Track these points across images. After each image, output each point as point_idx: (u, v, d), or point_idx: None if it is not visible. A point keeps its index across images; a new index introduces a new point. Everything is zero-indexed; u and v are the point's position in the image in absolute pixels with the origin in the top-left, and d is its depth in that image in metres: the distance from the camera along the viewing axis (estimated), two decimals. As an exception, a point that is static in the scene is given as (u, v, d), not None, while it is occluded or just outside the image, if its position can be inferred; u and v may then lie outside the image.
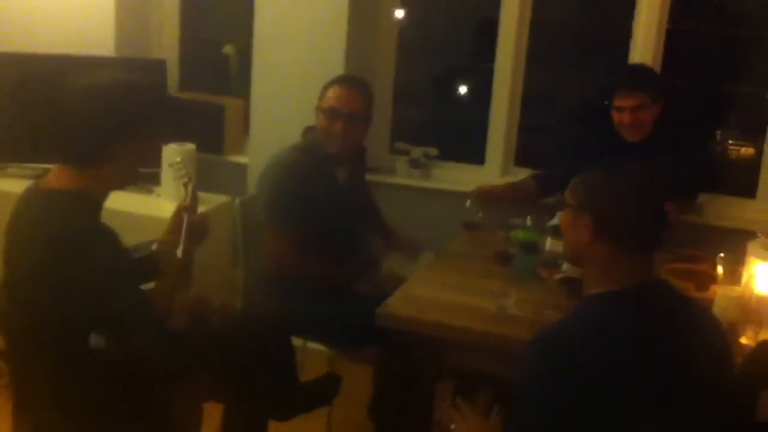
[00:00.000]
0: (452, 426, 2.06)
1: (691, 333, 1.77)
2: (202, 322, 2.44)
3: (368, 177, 3.52)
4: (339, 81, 3.10)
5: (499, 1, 3.85)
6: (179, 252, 2.26)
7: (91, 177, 2.10)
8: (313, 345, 3.18)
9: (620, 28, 3.79)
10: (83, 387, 2.14)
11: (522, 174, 3.75)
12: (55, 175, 2.12)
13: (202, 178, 3.89)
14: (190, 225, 2.31)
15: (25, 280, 2.08)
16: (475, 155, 4.02)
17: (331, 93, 3.04)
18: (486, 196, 3.16)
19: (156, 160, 3.71)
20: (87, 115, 2.06)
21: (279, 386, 2.62)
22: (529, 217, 2.84)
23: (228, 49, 4.27)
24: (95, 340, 2.11)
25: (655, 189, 1.83)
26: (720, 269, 2.55)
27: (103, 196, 2.16)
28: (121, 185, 2.21)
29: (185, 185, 2.36)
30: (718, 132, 4.12)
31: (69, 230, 2.02)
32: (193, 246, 2.37)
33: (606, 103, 3.29)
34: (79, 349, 2.11)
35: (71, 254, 2.00)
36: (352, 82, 3.13)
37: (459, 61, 4.54)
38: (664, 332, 1.73)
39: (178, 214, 2.33)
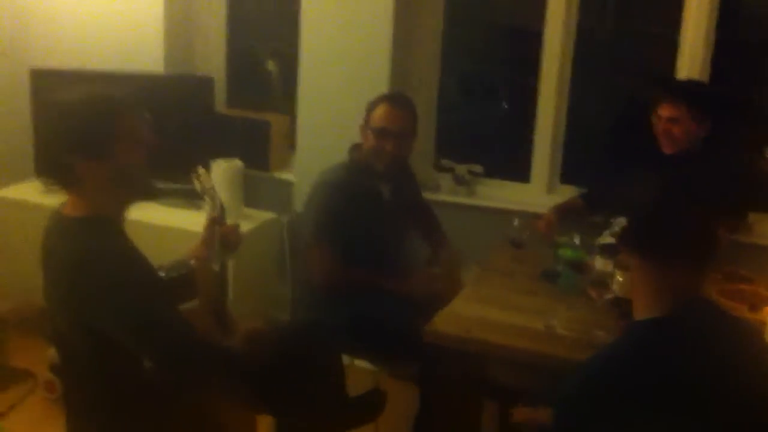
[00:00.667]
0: None
1: (736, 354, 1.74)
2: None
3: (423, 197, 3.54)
4: (386, 99, 3.12)
5: (543, 15, 3.81)
6: (215, 265, 2.27)
7: (86, 199, 2.07)
8: (359, 362, 3.19)
9: (661, 36, 3.74)
10: (133, 405, 2.15)
11: (567, 191, 3.73)
12: (69, 200, 2.13)
13: (249, 194, 3.94)
14: (221, 236, 2.32)
15: (61, 309, 2.09)
16: (521, 172, 4.01)
17: (380, 112, 3.06)
18: (546, 229, 3.14)
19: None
20: (48, 135, 2.08)
21: (327, 400, 2.63)
22: (577, 235, 2.82)
23: (270, 65, 4.31)
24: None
25: (687, 199, 1.82)
26: (773, 289, 2.51)
27: (115, 214, 2.13)
28: (124, 199, 2.14)
29: (211, 197, 2.34)
30: (767, 149, 4.05)
31: (87, 256, 1.99)
32: (227, 256, 2.38)
33: (652, 115, 3.26)
34: (127, 371, 2.11)
35: (94, 279, 1.97)
36: (399, 100, 3.15)
37: (498, 75, 4.52)
38: (707, 356, 1.71)
39: (209, 227, 2.33)
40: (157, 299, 2.04)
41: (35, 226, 3.91)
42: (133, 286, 1.99)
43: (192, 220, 3.74)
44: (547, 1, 3.78)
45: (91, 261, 1.99)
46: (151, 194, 2.18)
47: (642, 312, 1.78)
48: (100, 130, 2.03)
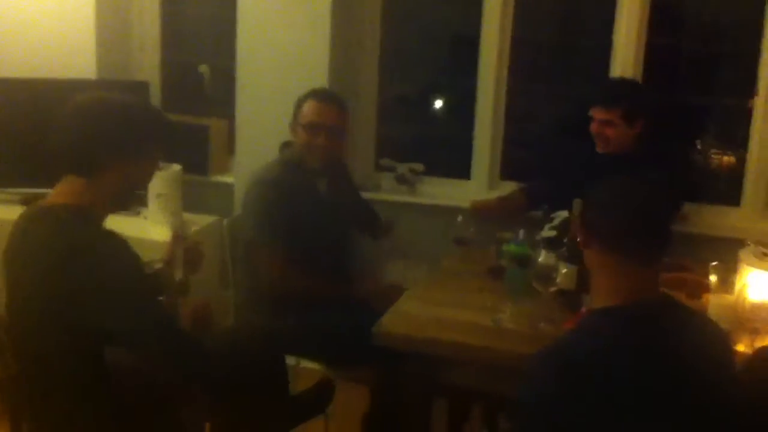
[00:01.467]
0: None
1: (693, 347, 1.77)
2: (205, 328, 2.45)
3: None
4: (313, 95, 3.14)
5: (478, 18, 3.87)
6: (177, 275, 2.27)
7: (91, 191, 2.10)
8: (306, 363, 3.17)
9: (600, 42, 3.83)
10: (95, 408, 2.12)
11: (508, 187, 3.78)
12: (57, 191, 2.13)
13: (189, 198, 3.88)
14: (186, 253, 2.40)
15: (33, 298, 2.05)
16: (461, 170, 4.04)
17: (308, 107, 3.09)
18: (480, 210, 3.18)
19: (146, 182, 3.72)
20: (89, 127, 2.09)
21: (270, 405, 2.61)
22: (520, 231, 2.85)
23: (203, 69, 4.27)
24: (111, 355, 2.11)
25: (643, 196, 1.83)
26: (713, 278, 2.57)
27: (103, 213, 2.15)
28: (119, 202, 2.21)
29: (174, 216, 2.42)
30: (699, 142, 4.16)
31: (78, 239, 2.02)
32: (190, 272, 2.43)
33: (588, 114, 3.32)
34: (94, 366, 2.10)
35: (84, 263, 1.98)
36: (327, 95, 3.18)
37: (438, 78, 4.56)
38: (665, 347, 1.72)
39: (172, 244, 2.42)
40: (148, 290, 2.13)
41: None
42: (130, 274, 2.03)
43: (133, 226, 3.68)
44: (484, 8, 3.84)
45: (90, 244, 2.01)
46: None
47: (601, 301, 1.80)
48: (147, 132, 2.16)
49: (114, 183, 2.12)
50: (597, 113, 3.24)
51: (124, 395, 2.16)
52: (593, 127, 3.26)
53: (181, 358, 2.14)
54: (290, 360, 2.95)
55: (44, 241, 2.05)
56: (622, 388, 1.68)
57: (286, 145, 3.21)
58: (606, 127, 3.21)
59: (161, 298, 2.30)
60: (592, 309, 1.82)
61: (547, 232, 3.08)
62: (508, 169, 4.00)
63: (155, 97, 4.32)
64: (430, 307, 2.64)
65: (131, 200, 2.28)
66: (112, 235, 2.08)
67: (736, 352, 2.16)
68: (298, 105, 3.13)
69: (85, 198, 2.10)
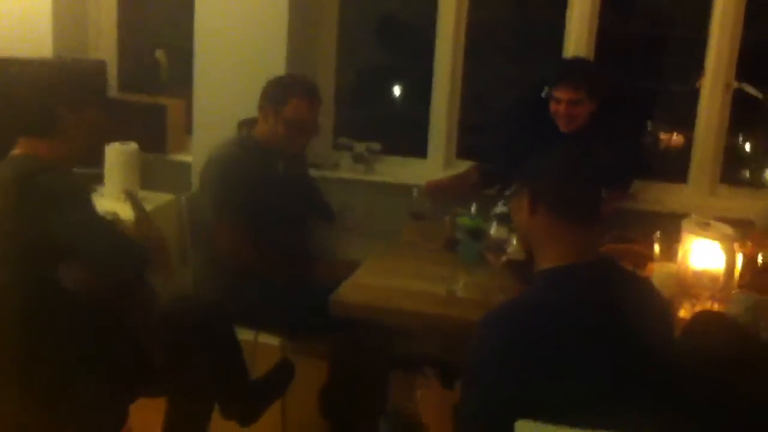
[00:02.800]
0: (417, 392, 2.11)
1: (635, 305, 1.84)
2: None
3: (312, 172, 3.58)
4: (300, 92, 3.10)
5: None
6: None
7: (47, 148, 2.28)
8: (265, 338, 3.20)
9: (553, 23, 3.91)
10: (44, 336, 2.22)
11: (464, 166, 3.84)
12: (18, 147, 2.29)
13: (146, 177, 3.89)
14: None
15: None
16: (418, 149, 4.10)
17: (296, 105, 3.07)
18: (435, 189, 3.22)
19: (99, 160, 3.73)
20: (36, 88, 2.31)
21: (228, 380, 2.65)
22: (474, 205, 2.91)
23: (159, 54, 4.27)
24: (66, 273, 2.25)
25: (584, 162, 1.94)
26: (656, 248, 2.66)
27: (63, 165, 2.30)
28: (74, 157, 2.38)
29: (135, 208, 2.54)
30: (649, 122, 4.27)
31: (32, 169, 2.20)
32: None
33: (542, 95, 3.39)
34: (46, 291, 2.22)
35: (37, 184, 2.17)
36: (313, 92, 3.16)
37: (394, 57, 4.61)
38: (610, 305, 1.79)
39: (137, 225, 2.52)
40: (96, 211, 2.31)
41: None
42: (80, 193, 2.28)
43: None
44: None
45: (44, 171, 2.22)
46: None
47: (543, 263, 1.88)
48: (88, 87, 2.47)
49: (69, 138, 2.31)
50: (563, 93, 3.26)
51: (82, 326, 2.28)
52: (559, 108, 3.28)
53: (126, 256, 2.31)
54: (248, 335, 3.00)
55: (11, 173, 2.21)
56: (567, 347, 1.74)
57: (243, 124, 3.21)
58: (574, 106, 3.26)
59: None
60: (539, 270, 1.88)
61: (501, 208, 3.15)
62: (463, 149, 4.07)
63: (112, 76, 4.30)
64: (387, 278, 2.70)
65: (86, 155, 2.48)
66: (66, 170, 2.30)
67: (676, 317, 2.26)
68: (281, 97, 3.09)
69: (41, 151, 2.27)
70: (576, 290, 1.81)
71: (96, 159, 2.60)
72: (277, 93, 3.11)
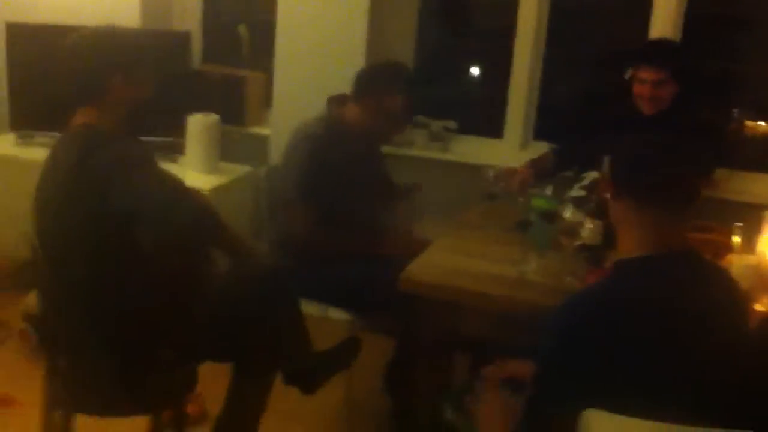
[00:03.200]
0: (479, 404, 2.12)
1: (712, 301, 1.80)
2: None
3: (388, 150, 3.59)
4: (400, 88, 3.09)
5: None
6: None
7: (100, 114, 2.34)
8: (333, 313, 3.24)
9: (637, 8, 3.82)
10: (117, 301, 2.29)
11: (540, 148, 3.79)
12: (75, 118, 2.36)
13: (225, 149, 3.96)
14: None
15: (59, 200, 2.27)
16: (494, 129, 4.06)
17: (395, 101, 3.06)
18: (515, 180, 3.18)
19: (180, 130, 3.80)
20: (82, 57, 2.36)
21: (289, 348, 2.70)
22: (550, 186, 2.88)
23: (241, 28, 4.32)
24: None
25: (669, 148, 1.85)
26: (736, 238, 2.59)
27: (118, 130, 2.38)
28: (126, 119, 2.42)
29: None
30: (735, 110, 4.15)
31: (97, 138, 2.29)
32: None
33: (626, 77, 3.32)
34: (120, 256, 2.29)
35: (103, 152, 2.24)
36: (410, 86, 3.14)
37: (474, 38, 4.58)
38: (684, 300, 1.76)
39: None
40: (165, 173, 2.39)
41: (10, 178, 3.96)
42: (146, 156, 2.36)
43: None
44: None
45: (108, 140, 2.30)
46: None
47: (628, 254, 1.84)
48: (141, 56, 2.45)
49: (118, 102, 2.37)
50: (647, 74, 3.17)
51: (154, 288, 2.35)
52: (642, 90, 3.20)
53: (200, 221, 2.37)
54: (316, 310, 3.04)
55: (68, 148, 2.30)
56: (643, 337, 1.72)
57: (333, 101, 3.19)
58: (659, 87, 3.17)
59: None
60: (620, 259, 1.85)
61: (577, 192, 3.11)
62: (540, 129, 4.03)
63: (196, 48, 4.38)
64: (457, 258, 2.69)
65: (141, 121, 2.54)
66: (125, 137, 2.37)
67: (752, 310, 2.20)
68: (385, 86, 3.07)
69: (99, 120, 2.34)
70: (651, 285, 1.77)
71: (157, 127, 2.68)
72: (381, 82, 3.10)
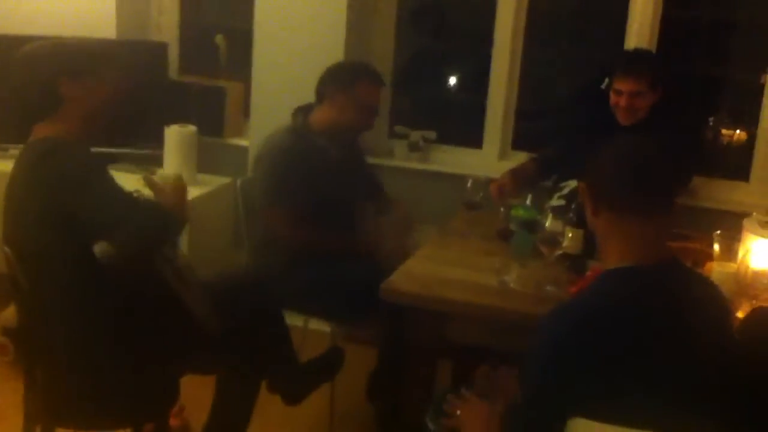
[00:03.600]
0: (458, 412, 2.11)
1: (698, 309, 1.80)
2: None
3: (368, 159, 3.59)
4: (368, 77, 3.17)
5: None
6: None
7: (60, 124, 2.29)
8: (315, 324, 3.23)
9: (614, 11, 3.84)
10: (93, 313, 2.26)
11: (519, 157, 3.81)
12: (34, 132, 2.31)
13: (203, 160, 3.94)
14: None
15: (27, 212, 2.23)
16: (473, 139, 4.08)
17: (364, 89, 3.13)
18: (500, 193, 3.18)
19: (158, 141, 3.78)
20: (33, 71, 2.29)
21: (275, 359, 2.68)
22: (529, 196, 2.89)
23: (219, 39, 4.31)
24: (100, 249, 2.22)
25: (644, 151, 1.84)
26: (716, 246, 2.61)
27: (83, 136, 2.33)
28: (91, 129, 2.36)
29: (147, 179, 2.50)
30: (711, 118, 4.19)
31: (56, 145, 2.24)
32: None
33: (602, 86, 3.34)
34: (87, 268, 2.22)
35: (59, 158, 2.20)
36: (379, 78, 3.22)
37: (452, 46, 4.60)
38: (670, 311, 1.76)
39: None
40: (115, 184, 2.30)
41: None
42: (100, 168, 2.27)
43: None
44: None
45: (66, 146, 2.24)
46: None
47: (613, 262, 1.84)
48: (92, 61, 2.36)
49: (75, 109, 2.30)
50: (625, 85, 3.19)
51: (122, 301, 2.31)
52: (619, 100, 3.22)
53: (151, 222, 2.29)
54: (298, 321, 3.03)
55: (29, 157, 2.26)
56: (631, 346, 1.72)
57: (299, 111, 3.22)
58: (635, 98, 3.20)
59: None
60: (606, 270, 1.85)
61: (556, 201, 3.14)
62: (518, 138, 4.04)
63: (173, 58, 4.36)
64: (438, 267, 2.69)
65: (103, 127, 2.42)
66: (81, 147, 2.29)
67: (735, 318, 2.21)
68: (349, 77, 3.14)
69: (59, 131, 2.28)
70: (640, 294, 1.77)
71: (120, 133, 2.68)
72: (345, 75, 3.15)
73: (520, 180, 3.30)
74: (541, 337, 1.80)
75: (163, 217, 2.33)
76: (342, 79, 3.13)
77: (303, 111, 3.21)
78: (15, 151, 3.85)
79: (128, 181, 2.47)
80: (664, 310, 1.75)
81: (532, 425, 1.81)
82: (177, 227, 2.41)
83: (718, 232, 2.63)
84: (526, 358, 1.82)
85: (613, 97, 3.25)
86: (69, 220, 2.17)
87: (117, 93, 2.41)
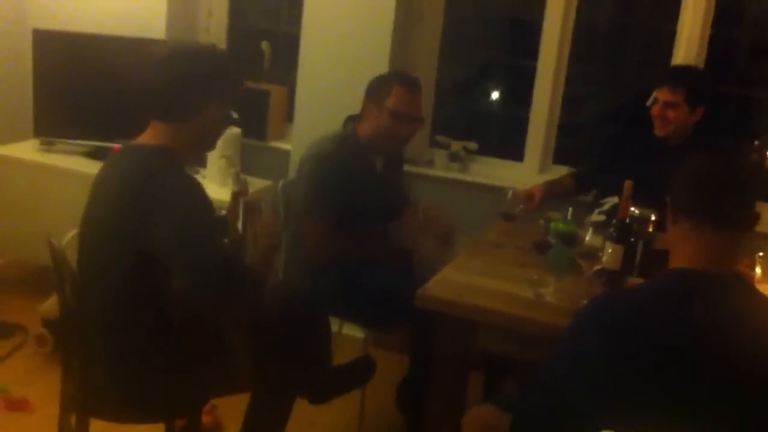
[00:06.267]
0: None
1: (747, 323, 1.79)
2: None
3: (407, 168, 3.60)
4: (403, 83, 3.12)
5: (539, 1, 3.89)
6: (239, 226, 2.42)
7: (173, 134, 2.25)
8: (347, 329, 3.24)
9: (659, 29, 3.82)
10: (137, 318, 2.26)
11: (559, 171, 3.79)
12: (146, 133, 2.28)
13: (246, 162, 3.98)
14: (246, 206, 2.49)
15: (104, 223, 2.22)
16: (514, 151, 4.07)
17: (399, 96, 3.08)
18: (527, 199, 3.18)
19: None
20: (180, 73, 2.24)
21: (311, 365, 2.69)
22: (569, 210, 2.87)
23: (264, 45, 4.35)
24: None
25: (721, 169, 1.90)
26: (758, 269, 2.57)
27: (182, 156, 2.29)
28: (204, 144, 2.38)
29: (236, 174, 2.57)
30: (757, 141, 4.13)
31: (154, 168, 2.17)
32: (251, 223, 2.51)
33: (647, 103, 3.33)
34: (145, 282, 2.23)
35: (156, 187, 2.13)
36: (416, 85, 3.16)
37: (496, 59, 4.60)
38: (719, 315, 1.76)
39: (234, 200, 2.52)
40: (213, 224, 2.30)
41: (32, 183, 4.00)
42: (199, 204, 2.20)
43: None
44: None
45: (164, 173, 2.17)
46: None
47: (677, 265, 1.88)
48: (230, 76, 2.33)
49: (202, 125, 2.27)
50: (662, 95, 3.22)
51: (179, 332, 2.30)
52: (655, 110, 3.24)
53: (234, 287, 2.25)
54: (332, 324, 3.04)
55: (123, 170, 2.22)
56: (671, 342, 1.73)
57: (350, 119, 3.23)
58: (668, 108, 3.21)
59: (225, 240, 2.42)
60: (673, 267, 1.88)
61: (597, 217, 3.12)
62: (559, 152, 4.03)
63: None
64: (475, 276, 2.69)
65: (208, 149, 2.44)
66: (186, 173, 2.24)
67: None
68: (383, 88, 3.11)
69: (167, 140, 2.25)
70: (688, 293, 1.79)
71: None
72: (379, 86, 3.13)
73: (551, 191, 3.30)
74: (581, 321, 1.83)
75: (241, 276, 2.27)
76: (376, 90, 3.13)
77: (353, 120, 3.22)
78: (63, 145, 3.99)
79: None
80: (709, 313, 1.76)
81: (542, 411, 1.84)
82: (251, 291, 2.33)
83: (761, 254, 2.60)
84: (558, 349, 1.86)
85: (653, 109, 3.26)
86: (147, 243, 2.15)
87: (225, 127, 2.42)
